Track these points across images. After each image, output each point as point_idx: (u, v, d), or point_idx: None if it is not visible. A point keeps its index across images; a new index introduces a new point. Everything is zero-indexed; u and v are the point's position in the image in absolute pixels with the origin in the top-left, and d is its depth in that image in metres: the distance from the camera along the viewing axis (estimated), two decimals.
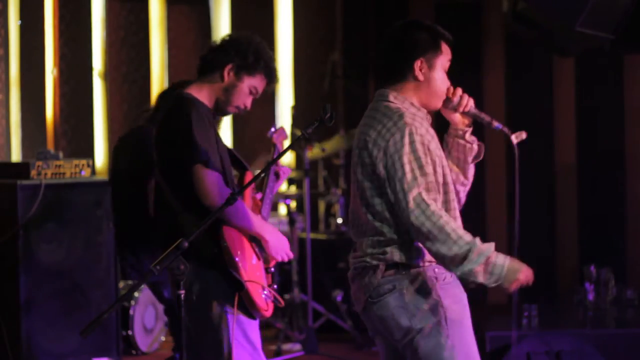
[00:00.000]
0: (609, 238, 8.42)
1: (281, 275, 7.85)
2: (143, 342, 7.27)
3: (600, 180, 8.58)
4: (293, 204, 8.15)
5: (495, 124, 3.96)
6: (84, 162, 6.68)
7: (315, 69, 9.35)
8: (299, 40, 9.35)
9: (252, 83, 4.47)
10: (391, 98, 3.91)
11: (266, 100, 9.10)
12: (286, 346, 7.58)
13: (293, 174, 8.30)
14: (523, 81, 8.77)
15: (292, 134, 7.59)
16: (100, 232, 6.56)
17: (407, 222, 3.75)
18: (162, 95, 5.81)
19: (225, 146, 4.54)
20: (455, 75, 3.99)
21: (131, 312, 7.15)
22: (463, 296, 3.89)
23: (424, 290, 3.81)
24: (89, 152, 7.78)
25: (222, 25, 8.89)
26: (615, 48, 6.70)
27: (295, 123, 7.69)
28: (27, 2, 7.53)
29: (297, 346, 7.55)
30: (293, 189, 8.35)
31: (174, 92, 4.57)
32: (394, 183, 3.77)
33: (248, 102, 4.50)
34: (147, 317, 7.30)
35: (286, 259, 4.49)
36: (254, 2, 9.15)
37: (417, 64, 3.89)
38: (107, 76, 8.08)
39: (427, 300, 3.80)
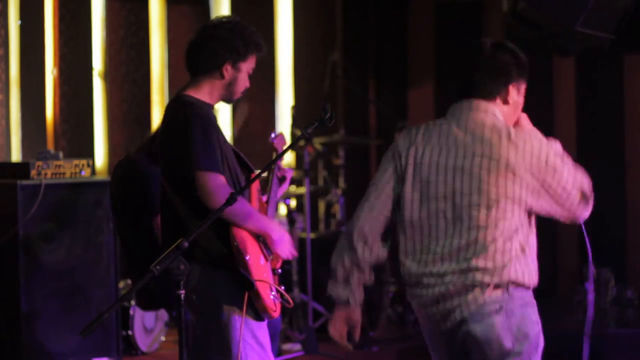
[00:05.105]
0: (609, 238, 8.41)
1: (281, 276, 7.83)
2: (143, 342, 7.26)
3: (600, 181, 8.56)
4: (293, 204, 8.15)
5: None
6: (84, 162, 6.68)
7: (315, 69, 9.34)
8: (299, 40, 9.34)
9: (249, 66, 4.56)
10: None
11: (266, 100, 9.10)
12: (286, 346, 7.57)
13: (293, 174, 8.29)
14: None
15: (292, 134, 7.58)
16: (100, 232, 6.56)
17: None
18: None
19: (230, 146, 4.54)
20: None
21: (131, 312, 7.14)
22: None
23: (530, 313, 3.70)
24: (89, 152, 7.77)
25: None
26: (615, 48, 6.70)
27: (295, 123, 7.69)
28: (27, 2, 7.52)
29: (297, 346, 7.55)
30: (293, 188, 8.34)
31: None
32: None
33: (247, 82, 4.59)
34: (147, 317, 7.29)
35: (290, 257, 4.52)
36: (254, 2, 9.14)
37: None
38: (107, 76, 8.07)
39: (532, 326, 3.69)
